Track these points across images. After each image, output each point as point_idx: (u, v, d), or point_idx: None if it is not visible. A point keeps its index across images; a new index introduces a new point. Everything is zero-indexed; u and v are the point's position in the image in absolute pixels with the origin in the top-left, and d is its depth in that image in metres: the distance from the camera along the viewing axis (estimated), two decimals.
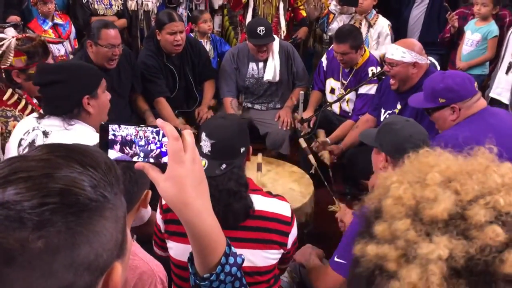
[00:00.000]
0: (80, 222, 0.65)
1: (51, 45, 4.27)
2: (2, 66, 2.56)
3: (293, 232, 2.00)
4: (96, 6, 4.70)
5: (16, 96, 2.64)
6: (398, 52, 3.18)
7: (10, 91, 2.63)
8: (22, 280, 0.62)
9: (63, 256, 0.63)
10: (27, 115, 2.62)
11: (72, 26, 4.51)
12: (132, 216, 1.64)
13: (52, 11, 4.33)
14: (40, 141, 2.16)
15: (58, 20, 4.38)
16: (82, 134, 2.10)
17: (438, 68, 3.57)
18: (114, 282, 0.71)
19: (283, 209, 1.98)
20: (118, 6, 4.78)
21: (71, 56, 4.24)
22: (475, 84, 2.59)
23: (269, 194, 2.03)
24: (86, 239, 0.65)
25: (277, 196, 2.04)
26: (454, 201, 0.64)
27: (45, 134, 2.18)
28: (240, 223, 1.90)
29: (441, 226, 0.63)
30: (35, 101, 2.76)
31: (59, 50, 4.35)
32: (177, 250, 1.95)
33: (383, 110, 3.47)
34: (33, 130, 2.21)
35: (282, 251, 1.98)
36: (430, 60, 3.34)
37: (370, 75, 3.76)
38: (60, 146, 0.73)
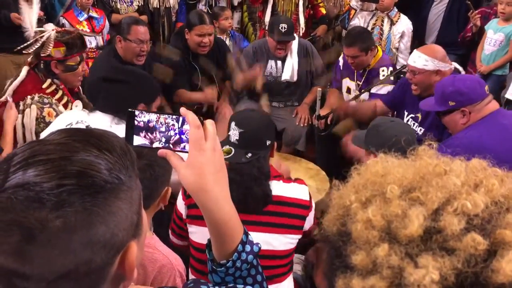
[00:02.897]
0: (96, 203, 0.67)
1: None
2: (42, 55, 2.67)
3: (310, 216, 2.10)
4: (119, 6, 4.76)
5: (54, 87, 2.75)
6: (420, 60, 3.06)
7: (49, 81, 2.73)
8: (42, 257, 0.65)
9: (80, 235, 0.66)
10: (63, 105, 2.74)
11: (106, 21, 4.60)
12: (152, 211, 1.67)
13: (90, 3, 4.44)
14: None
15: (93, 13, 4.48)
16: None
17: (463, 73, 3.49)
18: (129, 260, 0.74)
19: (302, 193, 2.08)
20: (139, 2, 4.83)
21: (100, 50, 4.34)
22: (486, 87, 2.57)
23: (289, 179, 2.14)
24: (102, 219, 0.68)
25: (296, 180, 2.14)
26: (424, 214, 0.63)
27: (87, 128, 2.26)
28: (261, 208, 1.98)
29: (419, 243, 0.62)
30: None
31: (90, 42, 4.43)
32: (201, 234, 2.01)
33: (406, 113, 3.36)
34: (76, 123, 2.29)
35: (300, 235, 2.08)
36: (456, 68, 3.24)
37: (380, 75, 3.72)
38: (78, 131, 0.76)
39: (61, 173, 0.66)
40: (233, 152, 1.96)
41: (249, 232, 1.93)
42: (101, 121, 2.26)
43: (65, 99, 2.78)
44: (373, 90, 3.77)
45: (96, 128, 0.80)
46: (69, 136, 0.73)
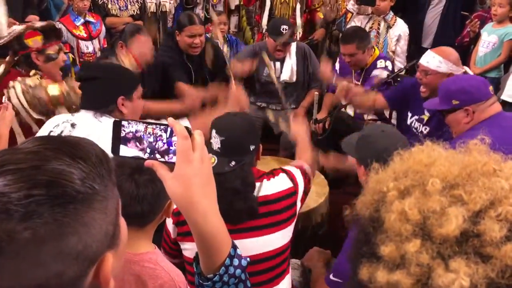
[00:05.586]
0: (67, 214, 0.65)
1: (80, 41, 4.38)
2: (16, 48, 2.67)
3: (299, 194, 2.07)
4: (110, 6, 4.75)
5: (37, 76, 2.71)
6: (434, 61, 2.99)
7: (33, 71, 2.72)
8: (11, 270, 0.63)
9: (50, 247, 0.64)
10: None
11: (103, 26, 4.60)
12: (155, 224, 1.66)
13: (87, 8, 4.45)
14: (67, 132, 2.22)
15: (89, 18, 4.49)
16: (109, 127, 2.13)
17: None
18: (105, 272, 0.72)
19: (284, 183, 2.04)
20: (134, 11, 4.83)
21: (98, 53, 4.34)
22: (491, 88, 2.56)
23: (270, 175, 2.08)
24: (73, 230, 0.66)
25: (274, 172, 2.09)
26: (464, 215, 0.59)
27: (73, 126, 2.25)
28: (245, 220, 1.95)
29: (454, 244, 0.59)
30: None
31: (87, 47, 4.43)
32: (194, 250, 1.98)
33: (410, 114, 3.33)
34: (62, 123, 2.28)
35: (293, 222, 2.06)
36: (466, 71, 3.19)
37: (378, 64, 3.72)
38: (52, 139, 0.74)
39: (30, 182, 0.64)
40: (216, 161, 1.91)
41: (243, 240, 1.90)
42: (84, 118, 2.27)
43: None
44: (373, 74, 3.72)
45: (72, 136, 0.78)
46: (41, 144, 0.70)
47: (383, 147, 2.01)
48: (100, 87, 2.29)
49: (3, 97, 2.60)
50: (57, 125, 2.30)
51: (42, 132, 2.33)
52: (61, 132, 2.24)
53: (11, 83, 2.60)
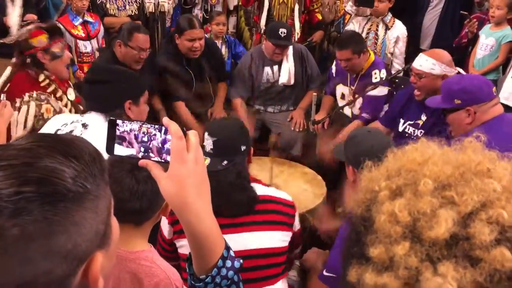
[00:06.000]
0: (57, 212, 0.65)
1: (78, 41, 4.38)
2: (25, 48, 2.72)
3: (297, 218, 2.15)
4: (108, 6, 4.75)
5: (47, 81, 2.78)
6: (427, 64, 3.01)
7: (42, 75, 2.77)
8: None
9: (39, 244, 0.63)
10: (58, 97, 2.78)
11: (102, 26, 4.60)
12: (152, 222, 1.67)
13: (85, 8, 4.45)
14: (78, 132, 2.22)
15: (88, 18, 4.49)
16: None
17: None
18: (94, 272, 0.71)
19: (284, 195, 2.13)
20: (132, 11, 4.83)
21: (97, 53, 4.35)
22: (494, 88, 2.55)
23: (266, 184, 2.18)
24: (63, 228, 0.65)
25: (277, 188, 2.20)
26: (454, 218, 0.59)
27: (84, 126, 2.26)
28: (247, 212, 2.01)
29: (443, 247, 0.59)
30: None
31: (85, 47, 4.42)
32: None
33: (402, 121, 3.33)
34: (71, 123, 2.28)
35: (291, 233, 2.10)
36: (459, 71, 3.20)
37: (373, 78, 3.71)
38: (45, 136, 0.73)
39: (21, 179, 0.64)
40: (209, 161, 1.97)
41: (241, 234, 1.94)
42: (96, 120, 2.27)
43: (59, 92, 2.81)
44: (370, 93, 3.72)
45: (67, 134, 0.78)
46: (35, 141, 0.70)
47: (369, 145, 2.08)
48: (108, 91, 2.32)
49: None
50: (65, 124, 2.30)
51: (47, 129, 2.32)
52: (71, 131, 2.23)
53: (27, 96, 2.60)
